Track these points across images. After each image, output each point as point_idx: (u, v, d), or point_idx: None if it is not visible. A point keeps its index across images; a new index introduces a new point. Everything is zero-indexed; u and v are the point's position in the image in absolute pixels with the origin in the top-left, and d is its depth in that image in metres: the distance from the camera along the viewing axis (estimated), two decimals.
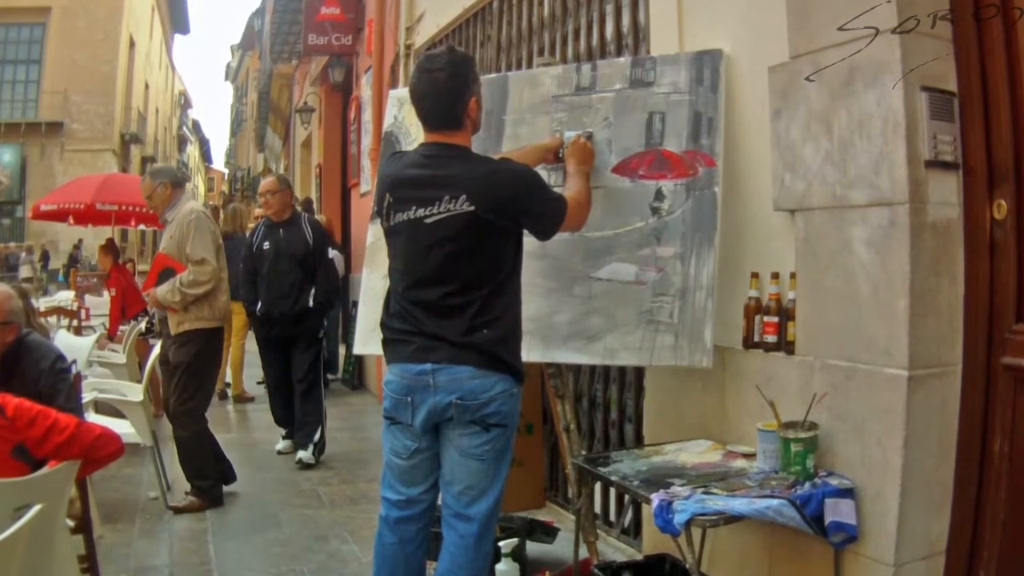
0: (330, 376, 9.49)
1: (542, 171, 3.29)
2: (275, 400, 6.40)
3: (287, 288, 6.02)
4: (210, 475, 4.98)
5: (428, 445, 2.77)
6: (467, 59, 2.83)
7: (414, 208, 2.72)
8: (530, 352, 3.21)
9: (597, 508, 4.12)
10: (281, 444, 6.38)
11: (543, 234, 2.87)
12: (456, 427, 2.70)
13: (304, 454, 6.00)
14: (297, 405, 6.19)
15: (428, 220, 2.69)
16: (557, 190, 2.97)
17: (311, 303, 6.05)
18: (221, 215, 9.13)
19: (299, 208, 7.50)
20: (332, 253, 8.80)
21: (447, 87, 2.72)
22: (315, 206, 11.02)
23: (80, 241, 24.14)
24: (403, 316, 2.77)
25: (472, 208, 2.64)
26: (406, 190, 2.75)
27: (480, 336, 2.68)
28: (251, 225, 8.24)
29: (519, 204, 2.72)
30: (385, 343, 2.85)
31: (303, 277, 6.06)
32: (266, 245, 6.12)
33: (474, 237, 2.67)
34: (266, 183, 6.30)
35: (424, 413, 2.71)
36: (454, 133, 2.76)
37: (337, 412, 7.88)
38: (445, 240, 2.68)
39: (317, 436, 6.08)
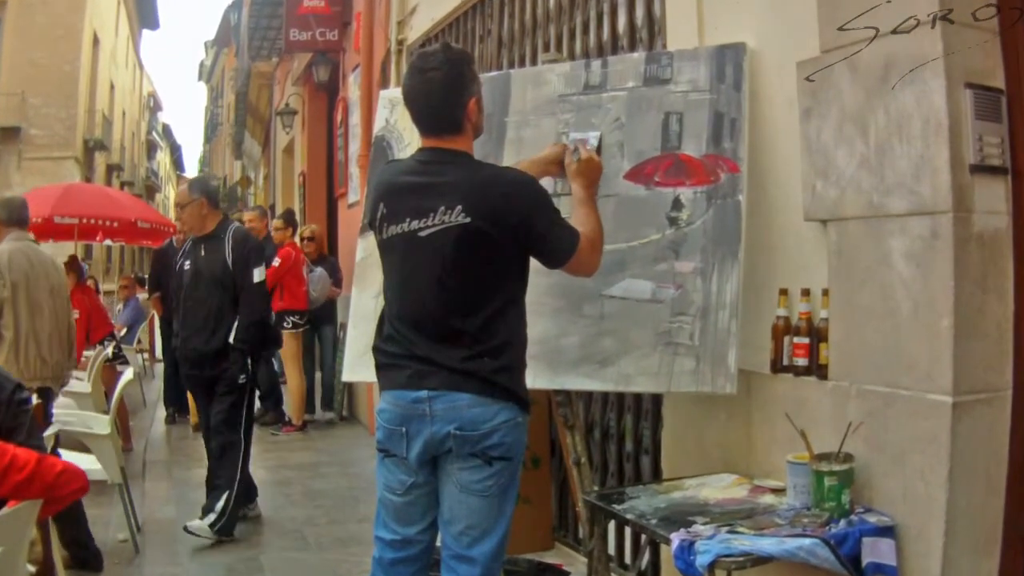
0: (330, 415, 9.30)
1: (548, 183, 3.27)
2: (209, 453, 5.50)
3: (202, 319, 5.27)
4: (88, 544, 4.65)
5: (425, 480, 2.77)
6: (465, 57, 2.83)
7: (408, 220, 2.72)
8: (536, 378, 3.21)
9: (611, 549, 4.11)
10: (196, 522, 5.19)
11: (548, 265, 2.86)
12: (455, 460, 2.70)
13: (197, 523, 5.14)
14: (210, 462, 5.42)
15: (423, 233, 2.69)
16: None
17: (231, 339, 5.21)
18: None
19: (233, 217, 6.93)
20: (317, 271, 8.80)
21: (443, 88, 2.72)
22: (298, 217, 10.98)
23: None
24: (397, 339, 2.77)
25: (468, 219, 2.64)
26: (400, 200, 2.75)
27: (481, 363, 2.68)
28: None
29: (519, 219, 2.68)
30: (378, 369, 2.86)
31: (224, 305, 5.26)
32: (187, 265, 5.41)
33: (473, 252, 2.67)
34: (177, 194, 5.72)
35: (420, 445, 2.71)
36: (453, 138, 2.76)
37: (325, 445, 7.89)
38: (442, 255, 2.67)
39: (221, 503, 5.16)
